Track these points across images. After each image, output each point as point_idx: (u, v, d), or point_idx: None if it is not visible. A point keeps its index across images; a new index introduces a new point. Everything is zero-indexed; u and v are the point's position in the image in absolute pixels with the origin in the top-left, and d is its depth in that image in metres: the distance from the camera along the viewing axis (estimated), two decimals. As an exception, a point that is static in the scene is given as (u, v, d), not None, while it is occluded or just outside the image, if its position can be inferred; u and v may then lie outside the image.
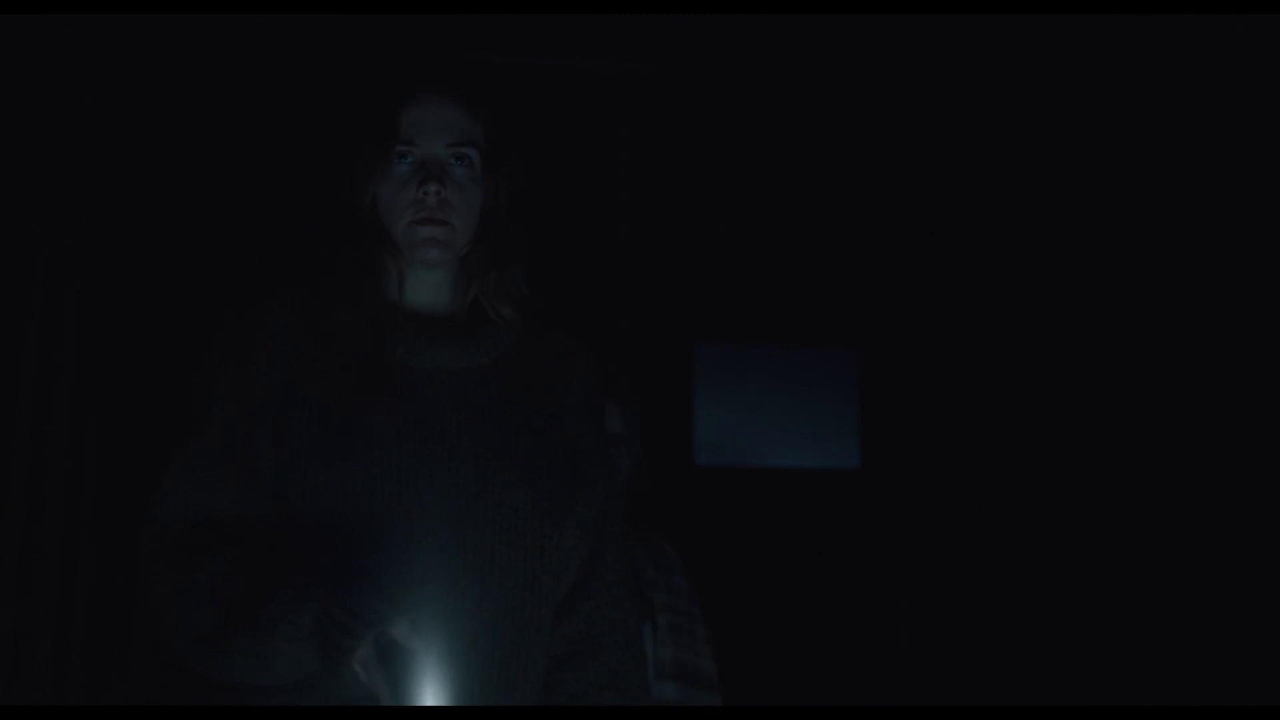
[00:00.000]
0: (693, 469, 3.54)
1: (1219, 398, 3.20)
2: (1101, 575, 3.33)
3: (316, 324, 1.70)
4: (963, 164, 3.51)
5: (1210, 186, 3.19)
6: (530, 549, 1.66)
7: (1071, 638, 3.30)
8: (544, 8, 3.01)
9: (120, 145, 3.00)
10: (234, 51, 3.12)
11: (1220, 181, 3.17)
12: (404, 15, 2.94)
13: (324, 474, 1.61)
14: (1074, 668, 3.26)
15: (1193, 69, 3.12)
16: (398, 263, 1.71)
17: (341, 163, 1.72)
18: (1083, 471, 3.40)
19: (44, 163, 2.92)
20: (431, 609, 1.57)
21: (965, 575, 3.49)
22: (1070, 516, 3.40)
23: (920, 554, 3.53)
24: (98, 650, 2.88)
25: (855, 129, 3.51)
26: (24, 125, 2.90)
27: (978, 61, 3.37)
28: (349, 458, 1.61)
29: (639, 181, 3.47)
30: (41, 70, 2.91)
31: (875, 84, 3.45)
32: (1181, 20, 2.92)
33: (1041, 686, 3.24)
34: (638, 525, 2.46)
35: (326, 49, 3.08)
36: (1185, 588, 3.18)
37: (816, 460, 3.64)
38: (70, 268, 2.92)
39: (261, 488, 1.64)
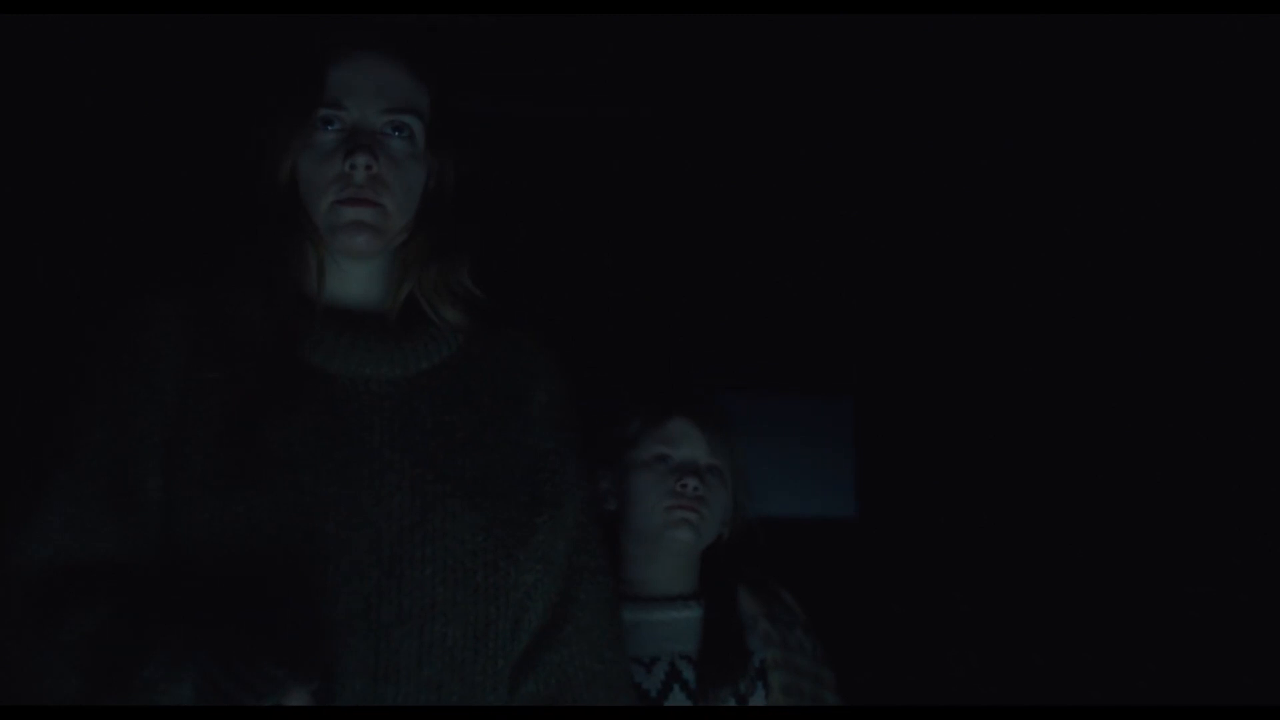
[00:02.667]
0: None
1: (1225, 426, 3.19)
2: (1104, 624, 3.32)
3: (215, 323, 1.40)
4: (961, 215, 3.50)
5: (1217, 211, 3.19)
6: (481, 590, 1.37)
7: (1073, 687, 3.28)
8: (527, 57, 2.99)
9: (120, 145, 3.00)
10: (234, 49, 3.11)
11: (1225, 198, 3.17)
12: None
13: (220, 504, 1.31)
14: (1076, 716, 3.23)
15: (1193, 70, 3.12)
16: (318, 251, 1.42)
17: (257, 129, 1.42)
18: (1082, 522, 3.40)
19: (44, 162, 2.92)
20: (355, 669, 1.29)
21: (963, 623, 3.47)
22: (1070, 566, 3.39)
23: (916, 603, 3.51)
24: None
25: (850, 180, 3.49)
26: (24, 125, 2.91)
27: (976, 110, 3.35)
28: (252, 484, 1.32)
29: (632, 227, 3.45)
30: (42, 70, 2.91)
31: (868, 137, 3.43)
32: (1181, 21, 2.92)
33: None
34: (748, 573, 2.23)
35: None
36: (1190, 633, 3.18)
37: (812, 509, 3.60)
38: (70, 267, 2.92)
39: (144, 524, 1.34)
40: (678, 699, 2.00)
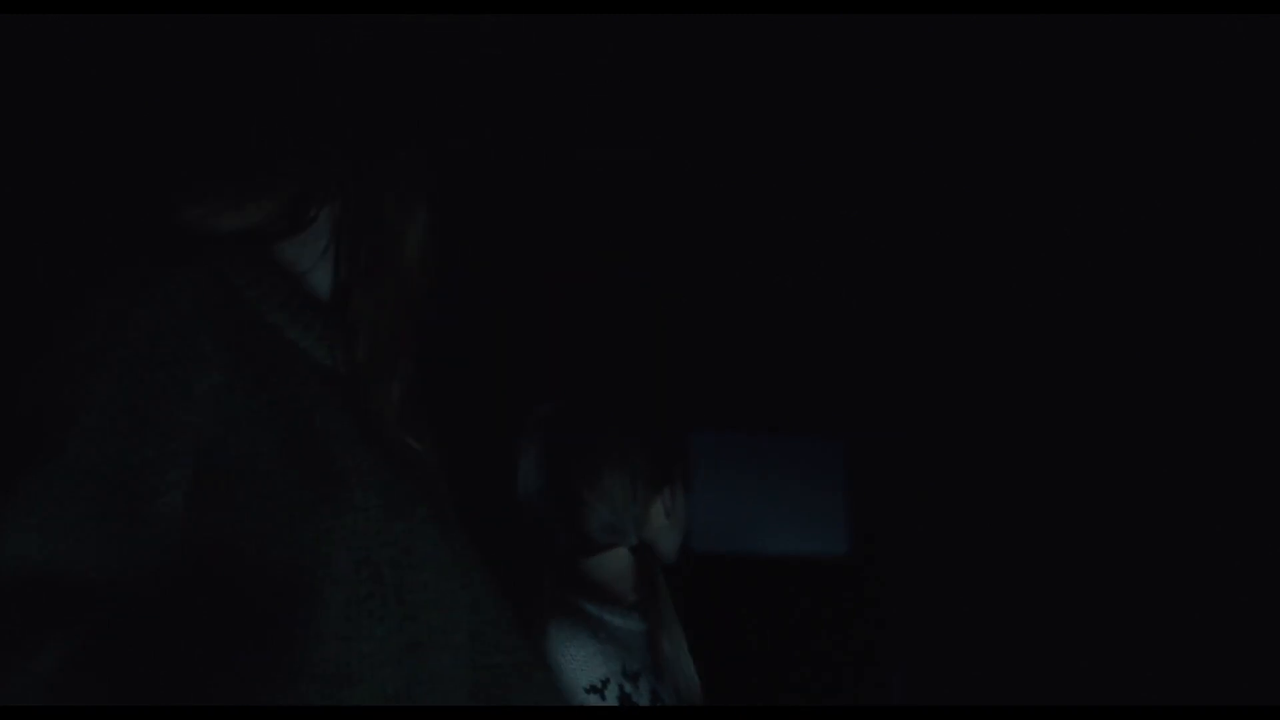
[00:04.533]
0: (689, 556, 3.54)
1: (1214, 465, 3.19)
2: (1098, 650, 3.32)
3: (248, 311, 1.20)
4: (950, 266, 3.52)
5: (1216, 221, 3.18)
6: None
7: (1069, 710, 3.27)
8: (539, 99, 2.98)
9: (119, 143, 3.00)
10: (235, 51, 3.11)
11: (1225, 202, 3.16)
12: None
13: (279, 527, 1.10)
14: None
15: (1193, 70, 3.12)
16: None
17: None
18: (1070, 559, 3.41)
19: (47, 160, 2.92)
20: None
21: (956, 661, 3.47)
22: (1061, 601, 3.40)
23: (909, 640, 3.52)
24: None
25: (844, 228, 3.51)
26: (24, 125, 2.90)
27: (972, 140, 3.35)
28: (322, 504, 1.12)
29: (629, 268, 3.46)
30: (41, 70, 2.91)
31: (863, 176, 3.43)
32: (1181, 21, 2.91)
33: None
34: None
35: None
36: (1180, 667, 3.17)
37: (806, 547, 3.61)
38: (71, 268, 2.92)
39: (149, 541, 1.09)
40: None
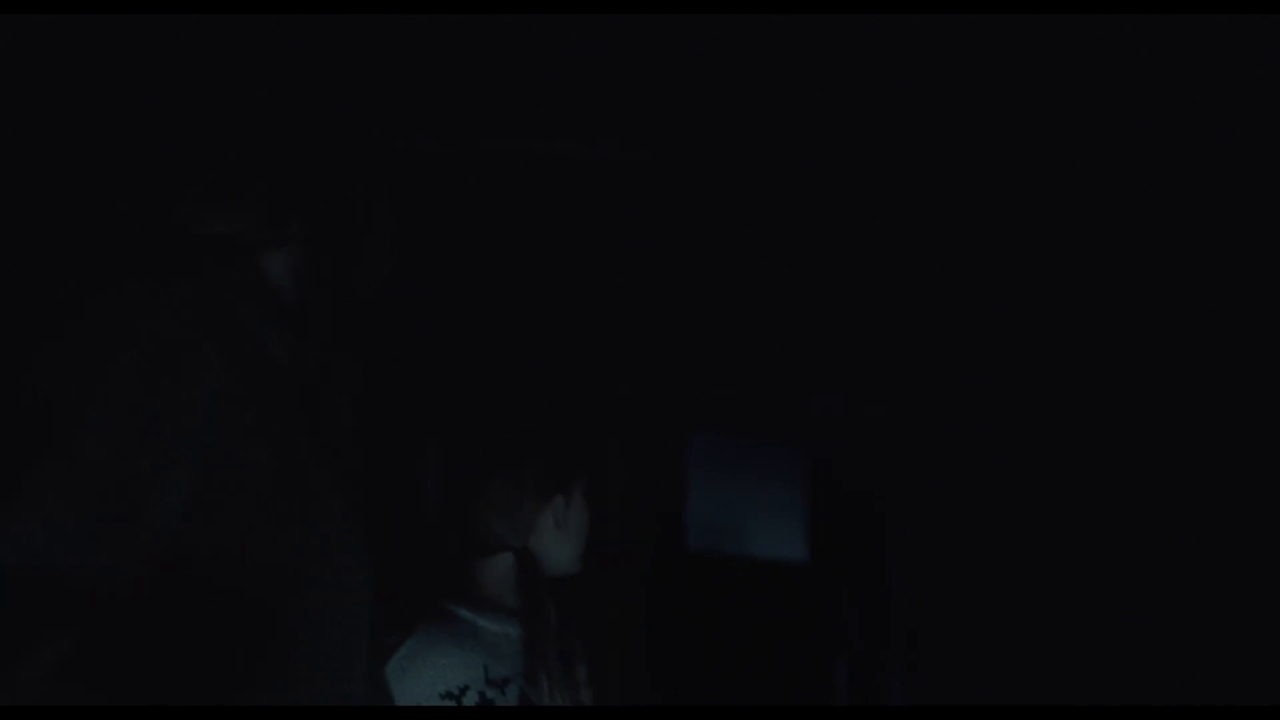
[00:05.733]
0: (685, 556, 3.57)
1: (1211, 465, 3.20)
2: (1092, 657, 3.34)
3: (238, 319, 1.23)
4: (921, 278, 3.53)
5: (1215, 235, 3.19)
6: None
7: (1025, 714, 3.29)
8: (531, 97, 2.98)
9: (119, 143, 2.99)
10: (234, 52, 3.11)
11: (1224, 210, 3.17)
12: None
13: (262, 539, 1.15)
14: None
15: (1193, 71, 3.12)
16: None
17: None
18: (1042, 572, 3.43)
19: (45, 161, 2.92)
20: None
21: (954, 662, 3.49)
22: (1020, 614, 3.43)
23: (865, 641, 3.55)
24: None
25: (818, 240, 3.52)
26: (23, 125, 2.90)
27: (957, 154, 3.35)
28: (298, 516, 1.18)
29: (607, 272, 3.48)
30: (41, 70, 2.91)
31: (848, 196, 3.45)
32: (1181, 21, 2.91)
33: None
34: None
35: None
36: (1179, 667, 3.19)
37: (785, 552, 3.65)
38: (73, 272, 2.92)
39: (148, 546, 1.10)
40: None
